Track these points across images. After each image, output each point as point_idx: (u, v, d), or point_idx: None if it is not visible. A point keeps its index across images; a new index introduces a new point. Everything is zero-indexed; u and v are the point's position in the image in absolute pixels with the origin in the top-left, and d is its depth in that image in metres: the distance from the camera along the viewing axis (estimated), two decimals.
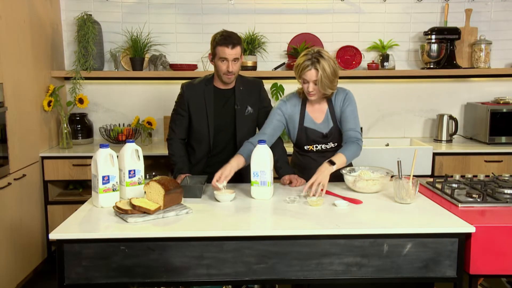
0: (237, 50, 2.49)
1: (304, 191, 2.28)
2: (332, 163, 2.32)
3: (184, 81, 2.70)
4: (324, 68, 2.34)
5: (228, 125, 2.65)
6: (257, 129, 2.72)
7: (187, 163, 2.64)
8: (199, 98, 2.61)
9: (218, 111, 2.62)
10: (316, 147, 2.56)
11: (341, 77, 3.99)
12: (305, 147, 2.57)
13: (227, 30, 2.56)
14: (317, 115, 2.55)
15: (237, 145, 2.64)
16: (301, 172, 2.61)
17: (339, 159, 2.35)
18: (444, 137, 3.95)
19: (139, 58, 3.82)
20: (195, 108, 2.61)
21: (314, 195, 2.22)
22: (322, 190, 2.24)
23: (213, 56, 2.54)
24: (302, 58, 2.40)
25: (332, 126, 2.53)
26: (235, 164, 2.36)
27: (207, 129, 2.61)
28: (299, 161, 2.67)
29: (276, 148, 2.60)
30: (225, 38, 2.47)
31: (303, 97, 2.55)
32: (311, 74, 2.36)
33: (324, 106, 2.55)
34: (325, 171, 2.30)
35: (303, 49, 3.89)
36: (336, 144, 2.56)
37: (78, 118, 3.88)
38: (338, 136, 2.54)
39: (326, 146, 2.55)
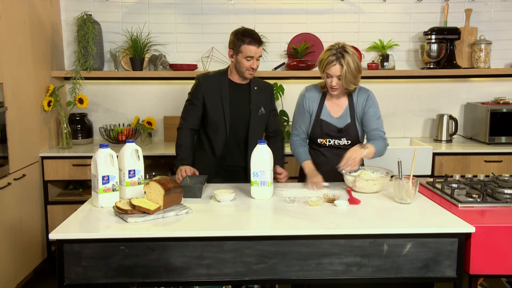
0: (261, 48, 2.61)
1: (341, 167, 2.33)
2: (363, 147, 2.37)
3: (199, 74, 2.77)
4: (349, 63, 2.36)
5: (242, 119, 2.71)
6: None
7: (191, 156, 2.67)
8: (214, 89, 2.67)
9: (233, 102, 2.68)
10: (329, 141, 2.56)
11: None
12: (319, 140, 2.58)
13: (245, 27, 2.65)
14: (336, 109, 2.56)
15: (248, 143, 2.71)
16: (315, 166, 2.59)
17: (369, 147, 2.40)
18: (444, 137, 3.95)
19: (139, 58, 3.82)
20: (210, 98, 2.67)
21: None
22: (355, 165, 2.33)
23: (236, 53, 2.60)
24: (326, 52, 2.41)
25: (349, 122, 2.54)
26: (312, 166, 2.54)
27: (223, 119, 2.67)
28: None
29: (274, 143, 2.71)
30: (252, 37, 2.56)
31: (324, 90, 2.57)
32: (335, 69, 2.37)
33: (344, 101, 2.56)
34: (357, 151, 2.35)
35: (303, 49, 3.90)
36: (350, 142, 2.55)
37: (78, 118, 3.88)
38: (353, 134, 2.55)
39: (339, 142, 2.56)
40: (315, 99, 2.57)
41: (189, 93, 2.75)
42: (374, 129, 2.52)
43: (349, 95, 2.55)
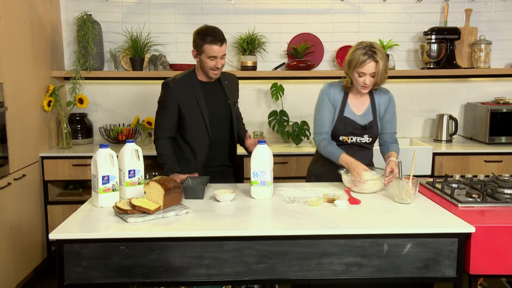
0: (224, 46, 2.54)
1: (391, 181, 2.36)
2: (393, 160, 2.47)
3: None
4: (382, 59, 2.37)
5: (221, 118, 2.67)
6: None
7: (176, 162, 2.59)
8: (188, 92, 2.59)
9: (209, 103, 2.62)
10: (351, 139, 2.55)
11: (340, 77, 3.99)
12: (341, 138, 2.55)
13: (208, 25, 2.58)
14: (358, 107, 2.55)
15: (234, 138, 2.72)
16: (325, 166, 2.58)
17: (395, 154, 2.51)
18: (444, 137, 3.95)
19: (139, 58, 3.82)
20: (186, 103, 2.59)
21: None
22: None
23: (199, 53, 2.55)
24: (356, 52, 2.39)
25: (372, 120, 2.55)
26: (351, 158, 2.44)
27: (203, 121, 2.60)
28: None
29: (240, 131, 2.75)
30: (213, 36, 2.49)
31: (347, 90, 2.55)
32: (370, 67, 2.37)
33: (366, 99, 2.56)
34: (395, 163, 2.43)
35: (303, 49, 3.90)
36: (370, 139, 2.56)
37: (78, 118, 3.88)
38: (375, 131, 2.56)
39: (361, 139, 2.55)
40: (338, 96, 2.55)
41: (159, 101, 2.64)
42: (391, 132, 2.61)
43: (370, 93, 2.56)
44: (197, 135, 2.62)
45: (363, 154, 2.57)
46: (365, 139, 2.55)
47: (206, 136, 2.62)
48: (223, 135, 2.70)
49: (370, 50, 2.37)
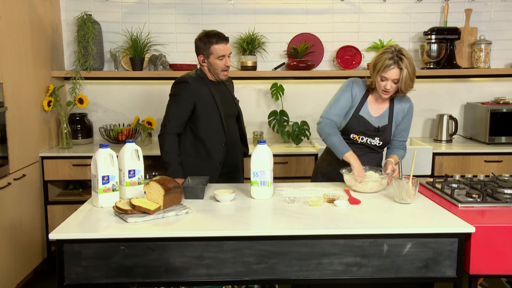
0: (229, 44, 2.64)
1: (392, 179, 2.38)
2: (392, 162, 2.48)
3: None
4: (407, 67, 2.33)
5: (232, 116, 2.76)
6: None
7: (181, 165, 2.61)
8: (204, 89, 2.64)
9: (222, 101, 2.68)
10: (362, 139, 2.53)
11: (340, 77, 4.00)
12: (351, 136, 2.53)
13: (206, 29, 2.67)
14: (376, 109, 2.53)
15: (243, 136, 2.85)
16: (333, 165, 2.56)
17: (394, 156, 2.52)
18: (444, 137, 3.95)
19: (139, 58, 3.82)
20: (202, 100, 2.63)
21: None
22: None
23: (207, 57, 2.61)
24: (382, 55, 2.36)
25: (387, 124, 2.53)
26: (358, 160, 2.40)
27: (219, 118, 2.65)
28: None
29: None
30: (218, 36, 2.58)
31: (372, 92, 2.53)
32: (393, 72, 2.34)
33: (386, 103, 2.54)
34: (394, 164, 2.48)
35: (303, 49, 3.90)
36: (381, 143, 2.54)
37: (78, 118, 3.88)
38: (387, 135, 2.54)
39: (372, 140, 2.53)
40: (359, 93, 2.53)
41: (173, 95, 2.65)
42: (402, 140, 2.58)
43: (391, 99, 2.54)
44: (212, 132, 2.66)
45: (372, 156, 2.57)
46: (376, 141, 2.53)
47: (221, 133, 2.66)
48: (235, 132, 2.78)
49: (397, 56, 2.32)
